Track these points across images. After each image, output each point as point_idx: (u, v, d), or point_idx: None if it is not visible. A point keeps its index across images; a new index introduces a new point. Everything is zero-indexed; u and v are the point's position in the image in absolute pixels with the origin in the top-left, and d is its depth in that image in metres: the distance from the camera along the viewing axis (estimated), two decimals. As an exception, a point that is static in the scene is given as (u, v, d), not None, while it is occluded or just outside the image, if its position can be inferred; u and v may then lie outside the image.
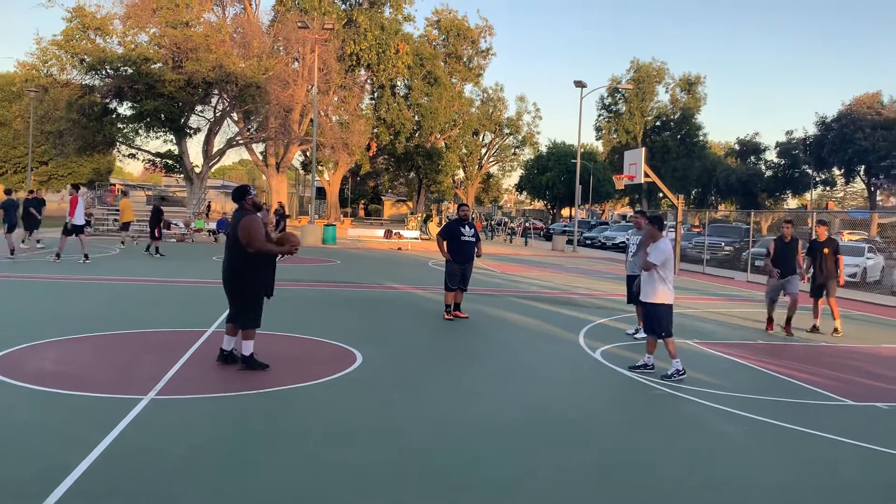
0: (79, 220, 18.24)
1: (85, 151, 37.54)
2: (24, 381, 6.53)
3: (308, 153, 56.72)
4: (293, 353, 8.39)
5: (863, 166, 53.62)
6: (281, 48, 46.07)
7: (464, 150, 67.38)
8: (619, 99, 70.09)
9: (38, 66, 34.69)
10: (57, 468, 4.54)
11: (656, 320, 7.99)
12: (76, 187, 18.93)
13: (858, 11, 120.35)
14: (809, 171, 60.71)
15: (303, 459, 4.99)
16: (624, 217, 66.71)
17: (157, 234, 21.38)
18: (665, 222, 8.68)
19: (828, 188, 64.81)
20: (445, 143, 64.15)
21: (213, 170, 43.16)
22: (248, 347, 7.33)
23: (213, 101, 38.46)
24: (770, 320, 11.92)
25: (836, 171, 58.64)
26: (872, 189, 54.31)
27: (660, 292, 7.94)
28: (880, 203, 53.13)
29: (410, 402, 6.61)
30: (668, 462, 5.33)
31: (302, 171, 68.94)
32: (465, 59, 64.32)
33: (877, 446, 5.88)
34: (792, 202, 68.47)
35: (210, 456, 4.98)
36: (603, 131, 72.20)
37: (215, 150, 39.60)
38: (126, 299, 12.12)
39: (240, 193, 7.44)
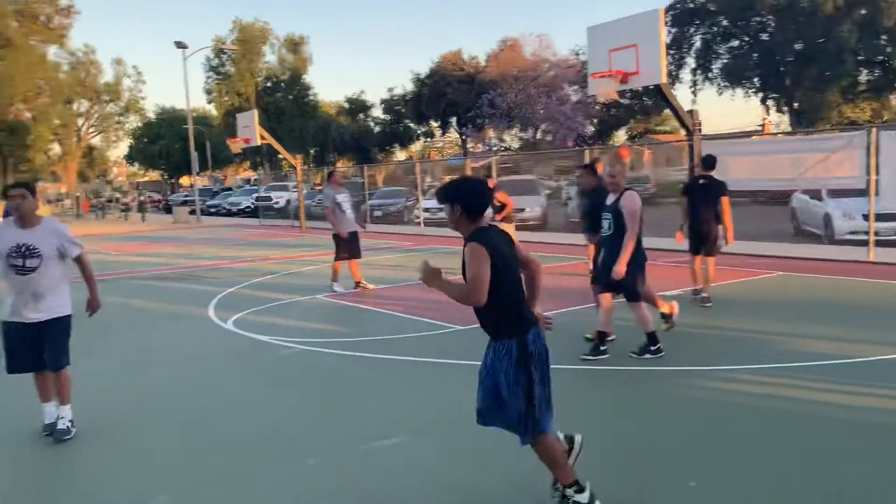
0: None
1: None
2: None
3: None
4: None
5: (454, 118, 60.18)
6: None
7: (56, 122, 59.62)
8: (227, 60, 68.14)
9: None
10: None
11: None
12: None
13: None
14: (412, 125, 66.29)
15: None
16: (248, 181, 65.79)
17: None
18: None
19: (429, 139, 71.59)
20: (32, 115, 56.07)
21: None
22: None
23: None
24: None
25: (434, 124, 64.93)
26: (464, 138, 61.39)
27: None
28: (471, 150, 60.31)
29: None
30: (312, 412, 5.42)
31: None
32: (42, 18, 56.45)
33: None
34: (400, 154, 74.29)
35: None
36: (214, 94, 69.65)
37: None
38: None
39: None
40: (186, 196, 47.13)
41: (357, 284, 11.19)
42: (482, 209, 3.62)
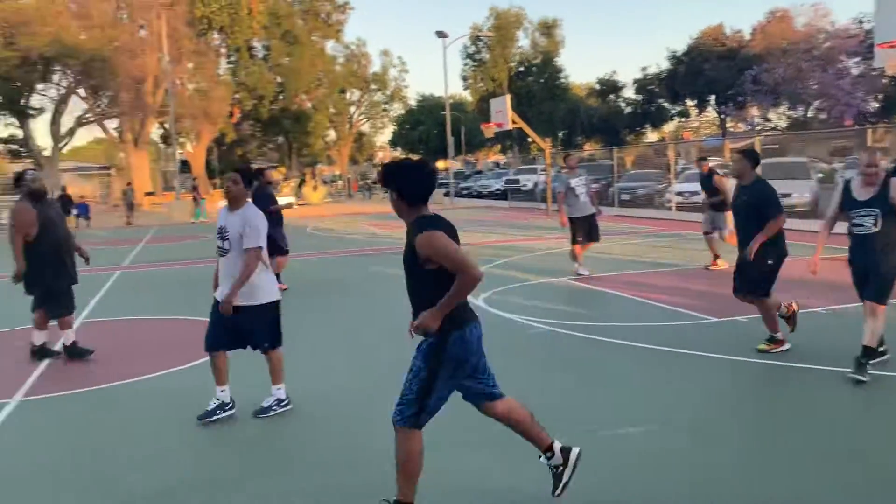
0: None
1: None
2: None
3: (167, 125, 53.91)
4: (167, 337, 8.10)
5: (713, 96, 56.80)
6: (124, 15, 43.14)
7: (332, 110, 66.01)
8: (482, 47, 70.46)
9: None
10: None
11: None
12: None
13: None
14: (665, 105, 63.71)
15: (182, 446, 4.86)
16: (497, 165, 67.76)
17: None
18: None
19: (683, 119, 68.31)
20: (312, 105, 62.62)
21: (64, 151, 40.26)
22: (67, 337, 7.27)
23: (56, 77, 35.70)
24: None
25: (690, 103, 61.83)
26: (723, 117, 57.76)
27: None
28: (730, 130, 56.57)
29: (302, 375, 6.55)
30: (555, 394, 5.57)
31: (163, 145, 65.51)
32: (323, 15, 62.62)
33: (741, 357, 6.38)
34: (651, 135, 71.83)
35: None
36: (469, 81, 72.49)
37: (64, 130, 36.91)
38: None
39: (16, 180, 7.20)
40: (442, 179, 49.82)
41: (575, 257, 11.27)
42: (421, 196, 3.46)
